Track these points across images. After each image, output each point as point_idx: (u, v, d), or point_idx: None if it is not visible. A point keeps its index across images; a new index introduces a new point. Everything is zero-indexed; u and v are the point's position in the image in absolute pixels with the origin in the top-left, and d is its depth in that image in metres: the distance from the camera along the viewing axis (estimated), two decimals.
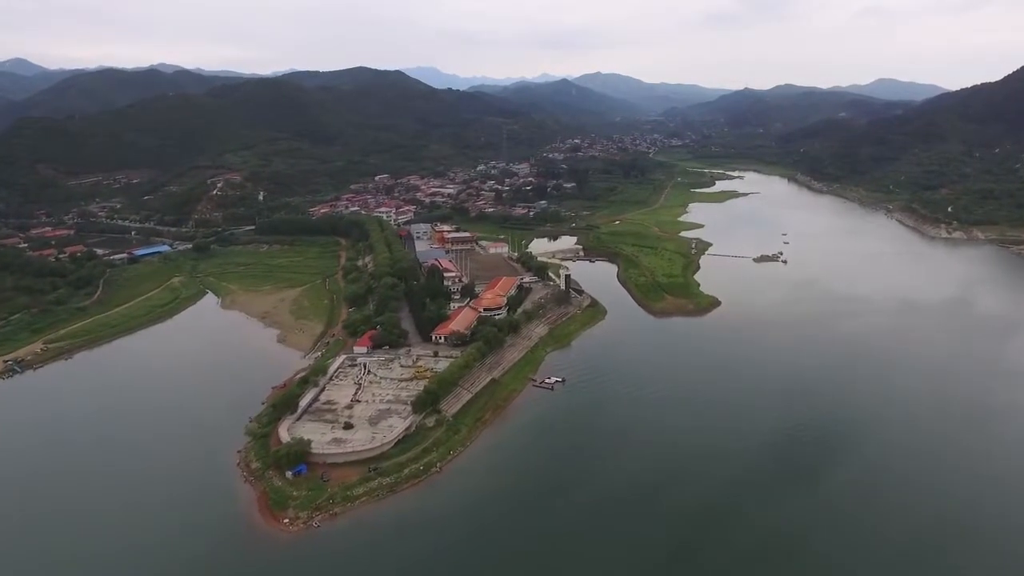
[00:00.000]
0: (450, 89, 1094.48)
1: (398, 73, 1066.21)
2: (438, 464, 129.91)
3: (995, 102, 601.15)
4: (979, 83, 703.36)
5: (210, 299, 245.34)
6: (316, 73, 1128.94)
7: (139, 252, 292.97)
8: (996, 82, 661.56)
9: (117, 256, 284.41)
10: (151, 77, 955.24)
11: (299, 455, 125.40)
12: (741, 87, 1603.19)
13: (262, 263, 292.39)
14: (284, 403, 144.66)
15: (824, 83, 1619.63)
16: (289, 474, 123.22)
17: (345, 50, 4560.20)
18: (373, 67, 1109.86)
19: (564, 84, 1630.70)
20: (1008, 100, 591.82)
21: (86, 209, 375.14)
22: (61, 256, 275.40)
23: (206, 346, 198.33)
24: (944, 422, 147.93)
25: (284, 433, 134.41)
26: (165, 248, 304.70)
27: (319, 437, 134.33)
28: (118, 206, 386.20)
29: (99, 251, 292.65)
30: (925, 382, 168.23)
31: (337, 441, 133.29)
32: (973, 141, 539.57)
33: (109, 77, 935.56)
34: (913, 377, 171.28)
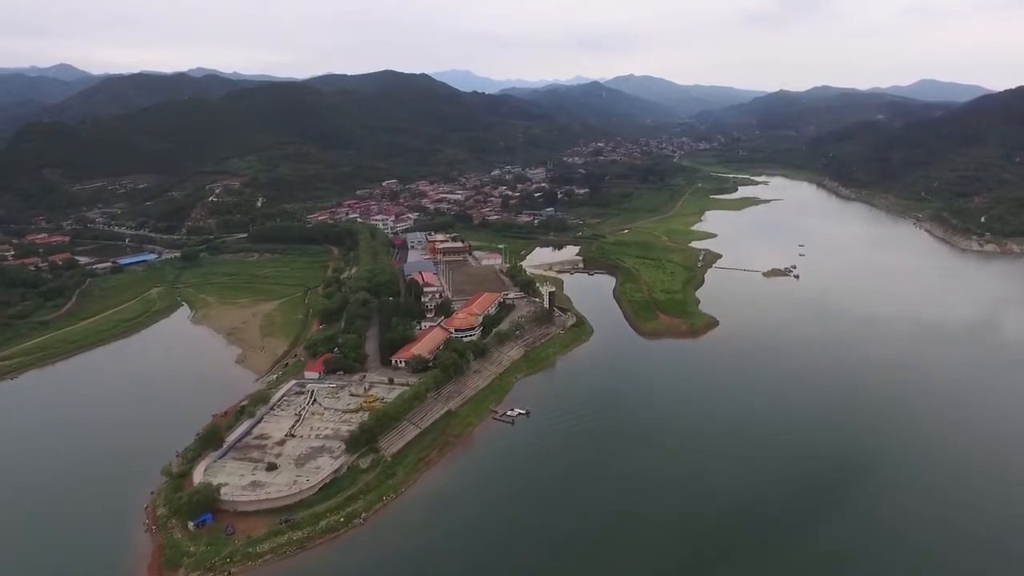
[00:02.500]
0: (475, 92, 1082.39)
1: (423, 76, 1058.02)
2: (362, 514, 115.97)
3: None
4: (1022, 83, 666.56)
5: (183, 312, 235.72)
6: (343, 76, 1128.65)
7: (123, 261, 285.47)
8: None
9: (100, 265, 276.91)
10: (179, 81, 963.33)
11: (204, 503, 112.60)
12: (776, 89, 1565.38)
13: (248, 273, 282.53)
14: (209, 437, 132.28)
15: (863, 84, 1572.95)
16: (192, 524, 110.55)
17: (381, 54, 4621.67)
18: (400, 70, 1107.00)
19: (594, 86, 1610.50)
20: None
21: (83, 215, 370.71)
22: (42, 265, 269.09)
23: (161, 366, 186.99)
24: (963, 466, 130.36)
25: (198, 474, 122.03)
26: (152, 257, 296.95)
27: (236, 480, 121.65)
28: (118, 212, 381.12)
29: (84, 259, 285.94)
30: (942, 423, 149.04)
31: (254, 485, 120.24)
32: (1014, 144, 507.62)
33: (139, 81, 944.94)
34: (928, 417, 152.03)
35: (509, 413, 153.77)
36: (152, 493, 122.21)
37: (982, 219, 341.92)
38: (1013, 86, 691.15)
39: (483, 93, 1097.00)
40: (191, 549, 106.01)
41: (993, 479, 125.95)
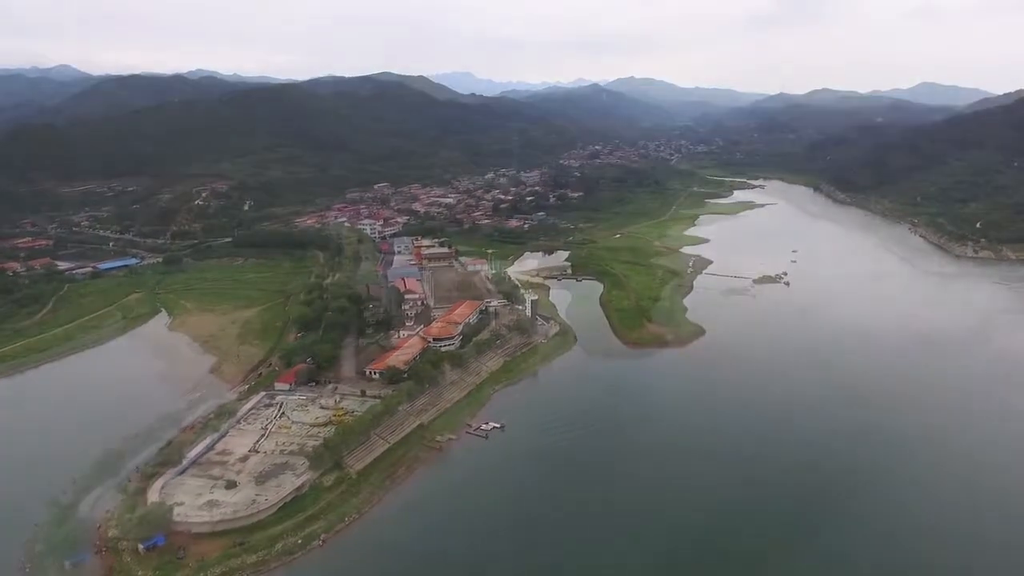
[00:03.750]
0: (473, 94, 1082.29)
1: (421, 79, 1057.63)
2: (321, 536, 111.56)
3: None
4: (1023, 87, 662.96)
5: (161, 319, 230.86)
6: (341, 79, 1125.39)
7: (104, 266, 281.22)
8: None
9: (80, 270, 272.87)
10: (176, 83, 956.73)
11: (156, 524, 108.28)
12: (777, 92, 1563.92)
13: (231, 278, 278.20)
14: (169, 453, 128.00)
15: (864, 87, 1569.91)
16: (142, 547, 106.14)
17: (384, 56, 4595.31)
18: (399, 72, 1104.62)
19: (594, 89, 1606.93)
20: None
21: (68, 218, 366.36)
22: (20, 270, 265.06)
23: (132, 375, 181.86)
24: (953, 485, 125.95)
25: (154, 493, 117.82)
26: (134, 262, 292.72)
27: (193, 499, 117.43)
28: (104, 215, 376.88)
29: (65, 264, 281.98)
30: (930, 440, 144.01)
31: (211, 504, 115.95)
32: (1013, 149, 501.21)
33: (135, 83, 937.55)
34: (918, 431, 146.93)
35: (484, 427, 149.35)
36: (107, 512, 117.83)
37: (977, 225, 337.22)
38: (1013, 90, 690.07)
39: (481, 96, 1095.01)
40: (139, 574, 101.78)
41: (984, 496, 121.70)
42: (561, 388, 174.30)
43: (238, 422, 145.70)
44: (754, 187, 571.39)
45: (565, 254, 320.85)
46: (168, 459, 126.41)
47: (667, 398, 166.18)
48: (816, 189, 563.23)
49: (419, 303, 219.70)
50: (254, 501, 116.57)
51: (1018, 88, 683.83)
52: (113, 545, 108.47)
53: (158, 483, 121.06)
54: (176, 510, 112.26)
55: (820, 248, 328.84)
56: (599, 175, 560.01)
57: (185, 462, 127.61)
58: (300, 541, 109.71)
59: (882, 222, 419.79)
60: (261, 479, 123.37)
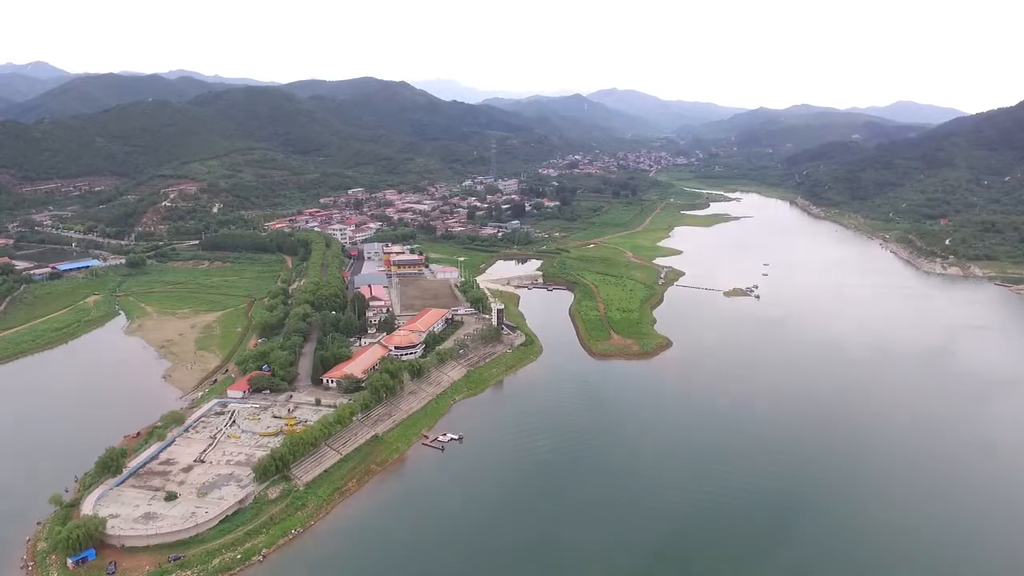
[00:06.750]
0: (455, 102, 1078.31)
1: (403, 84, 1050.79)
2: (262, 551, 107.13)
3: (1008, 128, 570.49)
4: (995, 108, 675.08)
5: (118, 322, 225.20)
6: (322, 82, 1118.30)
7: (63, 267, 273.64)
8: (1012, 107, 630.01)
9: (38, 271, 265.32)
10: (151, 83, 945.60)
11: (87, 537, 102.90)
12: (757, 106, 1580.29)
13: (195, 281, 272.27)
14: (107, 462, 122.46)
15: (842, 103, 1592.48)
16: (70, 562, 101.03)
17: (367, 61, 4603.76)
18: (381, 78, 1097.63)
19: (576, 99, 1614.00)
20: (1022, 126, 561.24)
21: (29, 218, 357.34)
22: None
23: (82, 380, 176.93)
24: (912, 505, 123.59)
25: (89, 504, 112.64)
26: (95, 263, 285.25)
27: (130, 511, 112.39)
28: (69, 215, 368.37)
29: (23, 264, 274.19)
30: (892, 455, 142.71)
31: (147, 517, 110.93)
32: (983, 168, 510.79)
33: (109, 82, 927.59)
34: (879, 447, 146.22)
35: (440, 438, 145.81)
36: (38, 524, 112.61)
37: (947, 242, 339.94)
38: (984, 109, 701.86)
39: (462, 103, 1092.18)
40: None
41: (942, 517, 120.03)
42: (523, 400, 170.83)
43: (186, 430, 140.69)
44: (731, 200, 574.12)
45: (538, 263, 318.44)
46: (107, 468, 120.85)
47: (630, 410, 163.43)
48: (792, 203, 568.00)
49: (384, 310, 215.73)
50: (192, 514, 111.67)
51: (990, 107, 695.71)
52: (41, 559, 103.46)
53: (94, 494, 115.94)
54: (110, 523, 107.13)
55: (792, 262, 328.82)
56: (576, 185, 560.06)
57: (125, 472, 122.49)
58: (239, 556, 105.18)
59: (854, 237, 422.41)
60: (203, 491, 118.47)
